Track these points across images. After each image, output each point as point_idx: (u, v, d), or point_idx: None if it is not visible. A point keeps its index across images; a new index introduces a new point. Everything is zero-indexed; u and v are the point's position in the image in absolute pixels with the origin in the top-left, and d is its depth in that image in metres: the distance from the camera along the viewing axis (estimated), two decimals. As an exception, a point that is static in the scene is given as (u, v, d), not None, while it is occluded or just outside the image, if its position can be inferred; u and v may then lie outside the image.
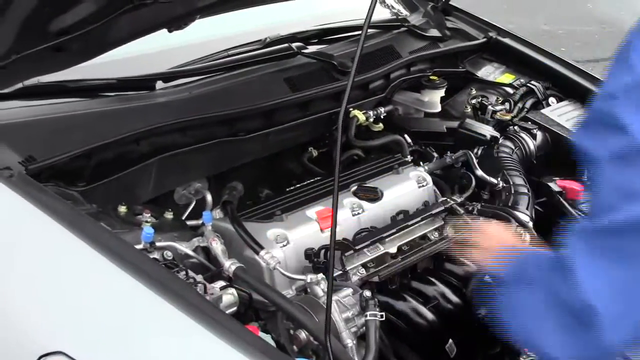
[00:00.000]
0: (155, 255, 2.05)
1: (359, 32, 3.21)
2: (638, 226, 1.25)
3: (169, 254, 2.07)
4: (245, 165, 2.79)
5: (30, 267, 1.90)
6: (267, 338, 1.91)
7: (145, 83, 2.55)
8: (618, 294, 1.31)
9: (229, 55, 2.81)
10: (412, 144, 3.01)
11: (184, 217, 2.55)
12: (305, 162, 2.91)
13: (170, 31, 2.45)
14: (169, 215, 2.30)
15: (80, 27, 2.08)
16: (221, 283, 2.02)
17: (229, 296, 2.00)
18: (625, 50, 1.24)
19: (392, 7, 3.59)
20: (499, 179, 2.72)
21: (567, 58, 3.47)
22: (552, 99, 3.30)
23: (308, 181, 2.60)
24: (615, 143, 1.21)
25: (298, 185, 2.57)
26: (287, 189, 2.55)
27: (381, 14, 3.55)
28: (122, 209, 2.22)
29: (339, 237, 2.28)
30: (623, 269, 1.29)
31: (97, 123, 2.34)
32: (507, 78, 3.40)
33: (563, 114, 3.15)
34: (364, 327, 1.96)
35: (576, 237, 1.37)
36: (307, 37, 3.05)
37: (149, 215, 2.21)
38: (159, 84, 2.57)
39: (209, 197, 2.67)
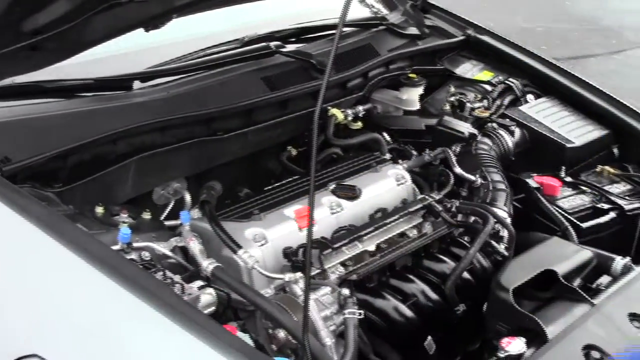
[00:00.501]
0: (133, 255, 2.05)
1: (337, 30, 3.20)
2: None
3: (146, 255, 2.07)
4: (224, 164, 2.78)
5: (6, 269, 1.89)
6: (246, 337, 1.91)
7: (122, 83, 2.54)
8: None
9: (206, 55, 2.80)
10: (390, 142, 3.02)
11: (162, 218, 2.54)
12: (284, 161, 2.91)
13: (147, 30, 2.44)
14: (146, 215, 2.29)
15: (54, 27, 2.07)
16: (199, 283, 2.03)
17: (207, 296, 2.00)
18: None
19: (372, 5, 3.59)
20: (477, 175, 2.73)
21: (546, 55, 3.48)
22: (530, 96, 3.31)
23: (286, 180, 2.60)
24: None
25: (276, 185, 2.57)
26: (266, 188, 2.54)
27: (360, 12, 3.54)
28: (100, 209, 2.21)
29: (317, 235, 2.28)
30: None
31: (74, 123, 2.33)
32: (486, 75, 3.40)
33: (541, 111, 3.16)
34: (343, 325, 1.96)
35: None
36: (285, 36, 3.04)
37: (127, 215, 2.20)
38: (137, 84, 2.56)
39: (187, 197, 2.66)
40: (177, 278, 1.97)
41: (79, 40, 2.24)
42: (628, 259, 2.43)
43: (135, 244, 2.07)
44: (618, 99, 3.16)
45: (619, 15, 9.47)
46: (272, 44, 2.88)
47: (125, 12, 2.21)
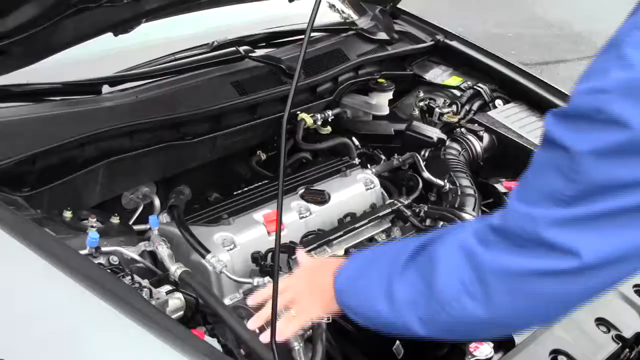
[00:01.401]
0: (101, 260, 2.04)
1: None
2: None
3: (114, 259, 2.06)
4: (194, 169, 2.78)
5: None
6: (213, 342, 1.90)
7: (91, 87, 2.52)
8: None
9: (175, 59, 2.79)
10: (359, 146, 3.03)
11: (131, 222, 2.53)
12: (253, 166, 2.91)
13: (115, 35, 2.43)
14: (115, 220, 2.29)
15: (22, 31, 2.05)
16: (167, 287, 2.02)
17: (176, 300, 2.00)
18: (615, 45, 1.25)
19: (342, 11, 3.60)
20: (446, 180, 2.75)
21: (516, 61, 3.51)
22: (498, 101, 3.34)
23: (256, 184, 2.60)
24: (604, 138, 1.21)
25: (246, 189, 2.57)
26: (235, 193, 2.54)
27: (330, 18, 3.55)
28: (68, 214, 2.21)
29: (286, 240, 2.29)
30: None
31: (42, 128, 2.30)
32: (455, 80, 3.43)
33: (509, 116, 3.19)
34: (311, 330, 1.96)
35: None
36: (254, 41, 3.04)
37: (95, 220, 2.19)
38: (105, 88, 2.54)
39: (157, 202, 2.66)
40: (145, 282, 1.97)
41: (47, 45, 2.22)
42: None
43: (103, 248, 2.06)
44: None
45: (589, 22, 9.54)
46: (242, 48, 2.87)
47: (94, 16, 2.20)
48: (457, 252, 1.47)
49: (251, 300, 1.89)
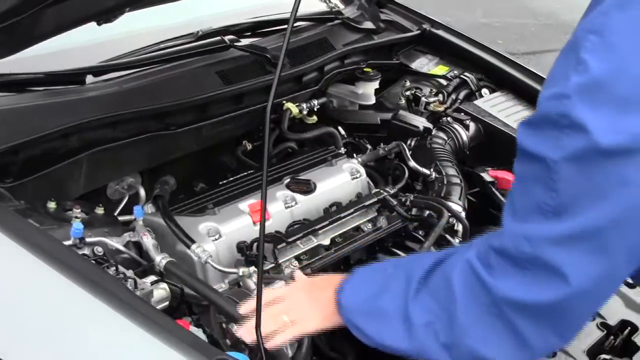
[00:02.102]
0: (85, 251, 2.03)
1: (293, 24, 3.20)
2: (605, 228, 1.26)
3: (99, 250, 2.05)
4: (179, 159, 2.77)
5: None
6: (198, 332, 1.90)
7: (74, 77, 2.50)
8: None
9: (160, 49, 2.77)
10: (345, 136, 3.02)
11: (116, 213, 2.52)
12: (239, 156, 2.90)
13: (99, 24, 2.40)
14: (99, 210, 2.28)
15: (2, 20, 2.03)
16: (152, 278, 2.01)
17: (161, 291, 1.99)
18: (573, 49, 1.25)
19: (330, 1, 3.58)
20: (432, 169, 2.74)
21: (504, 50, 3.51)
22: (485, 90, 3.34)
23: (241, 174, 2.59)
24: (572, 143, 1.21)
25: (231, 179, 2.56)
26: (220, 183, 2.53)
27: (316, 7, 3.54)
28: (52, 205, 2.19)
29: (271, 230, 2.28)
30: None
31: (25, 118, 2.28)
32: (441, 70, 3.42)
33: (495, 105, 3.19)
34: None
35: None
36: (240, 30, 3.02)
37: (79, 210, 2.17)
38: (89, 78, 2.52)
39: (142, 192, 2.64)
40: (129, 273, 1.96)
41: (29, 34, 2.20)
42: (580, 251, 2.46)
43: (87, 239, 2.05)
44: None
45: (576, 11, 9.38)
46: (227, 38, 2.85)
47: (76, 5, 2.18)
48: (469, 276, 1.46)
49: (243, 309, 1.84)
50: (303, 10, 3.32)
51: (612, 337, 2.04)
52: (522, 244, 1.34)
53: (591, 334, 2.03)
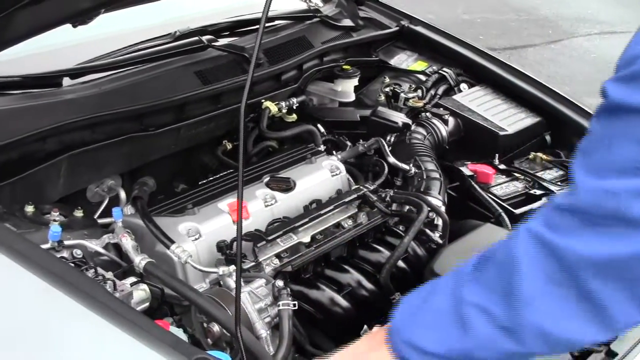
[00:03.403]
0: (64, 254, 2.03)
1: (270, 23, 3.20)
2: None
3: (78, 252, 2.05)
4: (160, 160, 2.77)
5: None
6: (179, 332, 1.90)
7: (51, 80, 2.49)
8: None
9: (138, 50, 2.77)
10: (325, 133, 3.02)
11: (97, 215, 2.51)
12: (219, 155, 2.89)
13: (74, 26, 2.40)
14: (78, 213, 2.27)
15: (-25, 23, 2.03)
16: (132, 279, 2.01)
17: (140, 292, 2.00)
18: None
19: (310, 0, 3.59)
20: (411, 165, 2.75)
21: (485, 46, 3.52)
22: (463, 85, 3.35)
23: (221, 174, 2.59)
24: None
25: (211, 178, 2.56)
26: (200, 182, 2.53)
27: (295, 5, 3.54)
28: (30, 208, 2.19)
29: (251, 228, 2.28)
30: None
31: (2, 121, 2.27)
32: (420, 65, 3.43)
33: (474, 100, 3.20)
34: (278, 317, 1.96)
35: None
36: (217, 30, 3.02)
37: (58, 213, 2.17)
38: (67, 81, 2.52)
39: (122, 194, 2.63)
40: (109, 275, 1.96)
41: (3, 37, 2.19)
42: (559, 243, 2.47)
43: (66, 242, 2.05)
44: (550, 86, 3.21)
45: (556, 6, 9.61)
46: (205, 38, 2.85)
47: (50, 7, 2.17)
48: (531, 243, 1.34)
49: None
50: (281, 8, 3.34)
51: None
52: (604, 199, 1.25)
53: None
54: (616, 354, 2.00)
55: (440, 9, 8.75)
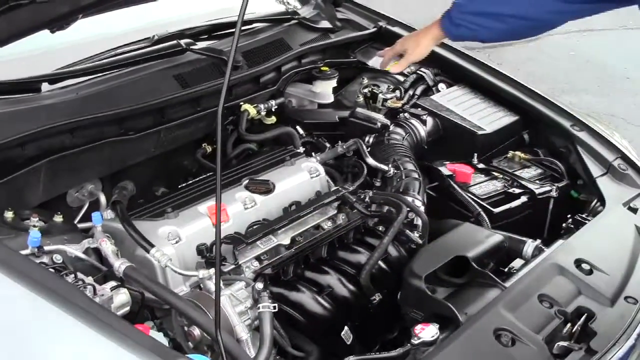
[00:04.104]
0: (44, 259, 2.03)
1: (249, 26, 3.21)
2: None
3: (58, 258, 2.05)
4: (140, 164, 2.76)
5: None
6: (159, 336, 1.90)
7: (30, 85, 2.49)
8: None
9: (116, 54, 2.77)
10: (304, 135, 3.03)
11: (77, 220, 2.51)
12: (199, 159, 2.90)
13: (52, 32, 2.40)
14: (58, 218, 2.27)
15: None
16: (112, 284, 2.01)
17: (121, 296, 2.00)
18: None
19: (288, 2, 3.60)
20: (390, 165, 2.76)
21: (462, 45, 3.53)
22: (441, 85, 3.37)
23: (201, 177, 2.60)
24: None
25: (190, 182, 2.56)
26: (180, 186, 2.54)
27: (273, 8, 3.55)
28: (9, 214, 2.19)
29: (231, 231, 2.29)
30: None
31: (-20, 128, 2.29)
32: (398, 66, 3.44)
33: (452, 99, 3.22)
34: (258, 320, 1.97)
35: None
36: (196, 34, 3.03)
37: (37, 219, 2.18)
38: (45, 86, 2.52)
39: (102, 199, 2.64)
40: (89, 280, 1.96)
41: (-22, 44, 2.20)
42: (538, 241, 2.50)
43: (46, 247, 2.05)
44: (527, 85, 3.24)
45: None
46: (183, 41, 2.86)
47: (28, 13, 2.17)
48: None
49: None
50: (259, 11, 3.35)
51: (569, 324, 2.07)
52: None
53: (549, 322, 2.05)
54: (595, 352, 2.02)
55: (417, 8, 8.75)
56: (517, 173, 2.96)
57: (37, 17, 2.27)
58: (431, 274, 2.21)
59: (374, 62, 3.44)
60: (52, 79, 2.55)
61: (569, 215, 2.71)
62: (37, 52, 2.65)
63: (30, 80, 2.50)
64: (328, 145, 2.98)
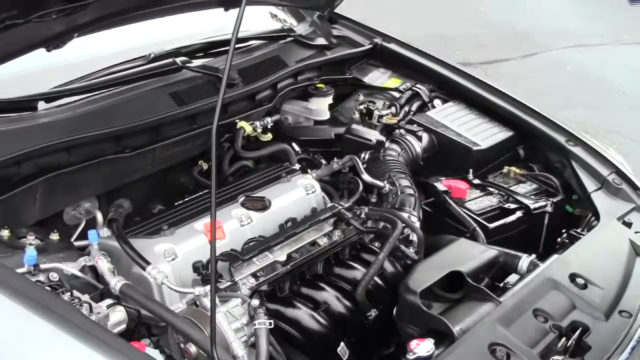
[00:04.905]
0: (40, 277, 2.03)
1: (244, 44, 3.22)
2: None
3: (54, 276, 2.05)
4: (137, 181, 2.77)
5: None
6: (155, 353, 1.90)
7: (26, 104, 2.50)
8: None
9: (112, 72, 2.79)
10: (300, 152, 3.04)
11: (74, 238, 2.52)
12: (195, 176, 2.91)
13: (48, 50, 2.42)
14: (54, 236, 2.27)
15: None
16: (108, 301, 2.02)
17: (118, 314, 2.00)
18: None
19: (285, 20, 3.62)
20: (385, 181, 2.77)
21: (461, 60, 3.55)
22: (437, 101, 3.38)
23: (197, 194, 2.61)
24: None
25: (187, 199, 2.57)
26: (176, 203, 2.55)
27: (270, 25, 3.56)
28: (5, 232, 2.19)
29: (227, 248, 2.29)
30: None
31: (-23, 146, 2.29)
32: (394, 82, 3.46)
33: (447, 115, 3.23)
34: (254, 336, 1.97)
35: None
36: (192, 51, 3.04)
37: (34, 237, 2.18)
38: (42, 105, 2.53)
39: (99, 217, 2.65)
40: (85, 297, 1.97)
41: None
42: (533, 256, 2.51)
43: (42, 266, 2.05)
44: (522, 101, 3.25)
45: (531, 20, 9.67)
46: (179, 59, 2.87)
47: (23, 32, 2.18)
48: None
49: None
50: (255, 29, 3.36)
51: (564, 338, 2.07)
52: None
53: (544, 336, 2.06)
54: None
55: (416, 25, 8.80)
56: (512, 188, 2.97)
57: (33, 36, 2.28)
58: (427, 289, 2.22)
59: (370, 78, 3.47)
60: (49, 97, 2.56)
61: (563, 230, 2.72)
62: (34, 71, 2.66)
63: (26, 99, 2.51)
64: (324, 162, 3.00)
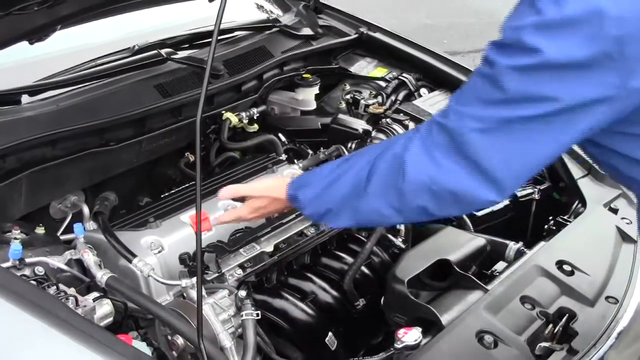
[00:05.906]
0: (26, 271, 2.02)
1: (229, 35, 3.21)
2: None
3: (40, 270, 2.05)
4: (123, 174, 2.76)
5: None
6: (142, 346, 1.90)
7: (10, 97, 2.48)
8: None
9: (97, 65, 2.76)
10: (286, 142, 3.04)
11: (60, 231, 2.51)
12: (182, 168, 2.90)
13: (31, 43, 2.40)
14: (40, 230, 2.26)
15: None
16: (95, 294, 2.01)
17: (104, 307, 1.99)
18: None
19: (271, 11, 3.60)
20: (371, 171, 2.76)
21: (449, 49, 3.54)
22: (423, 90, 3.37)
23: (183, 186, 2.60)
24: (521, 60, 1.46)
25: (173, 191, 2.56)
26: (162, 195, 2.54)
27: (255, 16, 3.55)
28: (-11, 227, 2.18)
29: (214, 239, 2.29)
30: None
31: (-40, 141, 2.28)
32: (380, 72, 3.45)
33: (434, 104, 3.21)
34: (241, 328, 1.97)
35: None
36: (176, 43, 3.02)
37: (19, 231, 2.17)
38: (25, 98, 2.51)
39: (85, 210, 2.64)
40: (71, 291, 1.96)
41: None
42: (520, 244, 2.51)
43: (27, 260, 2.04)
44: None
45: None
46: (164, 51, 2.85)
47: (5, 25, 2.17)
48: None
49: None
50: (240, 19, 3.35)
51: (551, 325, 2.08)
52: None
53: (531, 323, 2.07)
54: (577, 352, 2.03)
55: (404, 15, 8.80)
56: (500, 177, 2.96)
57: (15, 29, 2.27)
58: (414, 278, 2.22)
59: (356, 68, 3.46)
60: (32, 90, 2.54)
61: (550, 217, 2.72)
62: (16, 64, 2.65)
63: (9, 92, 2.49)
64: (310, 152, 2.99)
